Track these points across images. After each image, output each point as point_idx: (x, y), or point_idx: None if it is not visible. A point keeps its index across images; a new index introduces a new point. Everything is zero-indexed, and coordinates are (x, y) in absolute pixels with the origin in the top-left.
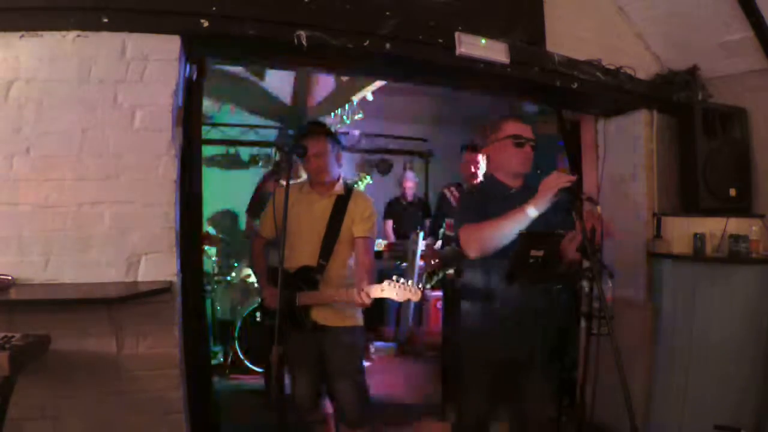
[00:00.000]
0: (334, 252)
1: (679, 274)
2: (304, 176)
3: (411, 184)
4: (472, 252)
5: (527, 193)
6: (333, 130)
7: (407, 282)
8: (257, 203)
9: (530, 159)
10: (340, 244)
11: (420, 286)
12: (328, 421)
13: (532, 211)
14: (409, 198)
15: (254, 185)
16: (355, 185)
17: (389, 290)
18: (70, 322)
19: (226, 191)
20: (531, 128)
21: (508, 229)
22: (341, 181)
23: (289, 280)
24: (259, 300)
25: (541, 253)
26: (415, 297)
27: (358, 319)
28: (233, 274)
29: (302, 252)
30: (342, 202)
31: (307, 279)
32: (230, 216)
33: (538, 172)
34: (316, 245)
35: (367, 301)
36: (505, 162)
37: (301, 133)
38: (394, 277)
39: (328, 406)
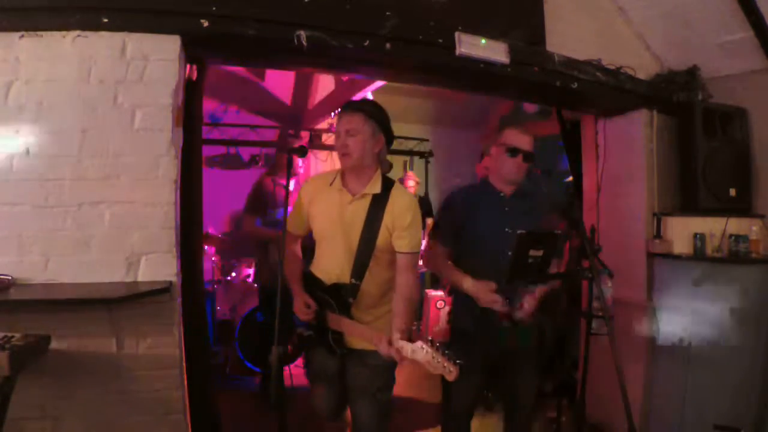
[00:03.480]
0: (369, 269)
1: (679, 274)
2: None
3: (413, 183)
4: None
5: (518, 199)
6: (379, 111)
7: (444, 352)
8: (256, 201)
9: (522, 169)
10: (375, 259)
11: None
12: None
13: (466, 285)
14: None
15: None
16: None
17: (421, 354)
18: (70, 322)
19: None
20: (531, 139)
21: (446, 276)
22: (378, 174)
23: (321, 293)
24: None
25: (540, 252)
26: (450, 376)
27: None
28: (233, 274)
29: (333, 264)
30: (378, 205)
31: (338, 298)
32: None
33: (539, 173)
34: (348, 259)
35: (396, 357)
36: (498, 168)
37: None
38: (430, 339)
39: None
